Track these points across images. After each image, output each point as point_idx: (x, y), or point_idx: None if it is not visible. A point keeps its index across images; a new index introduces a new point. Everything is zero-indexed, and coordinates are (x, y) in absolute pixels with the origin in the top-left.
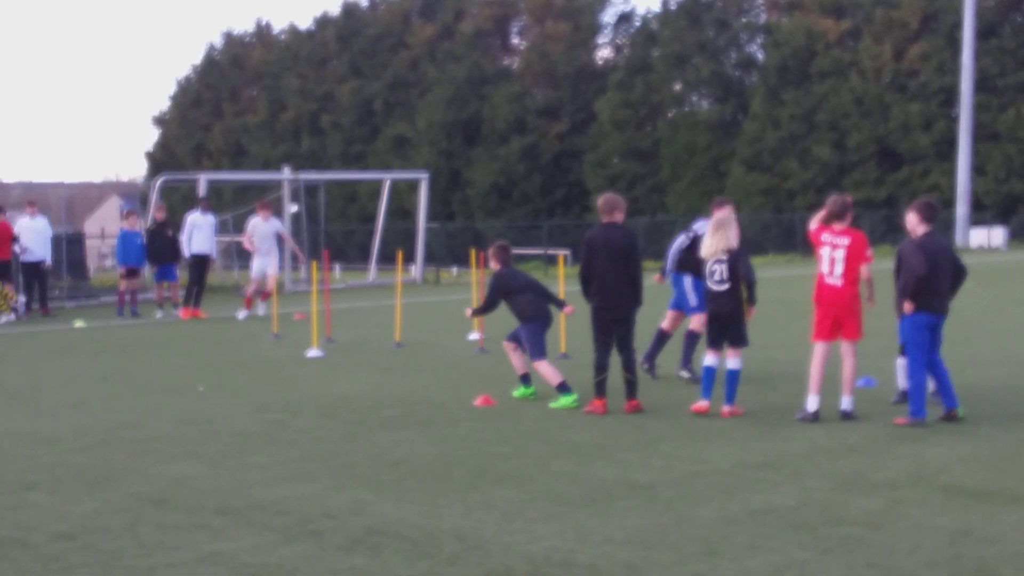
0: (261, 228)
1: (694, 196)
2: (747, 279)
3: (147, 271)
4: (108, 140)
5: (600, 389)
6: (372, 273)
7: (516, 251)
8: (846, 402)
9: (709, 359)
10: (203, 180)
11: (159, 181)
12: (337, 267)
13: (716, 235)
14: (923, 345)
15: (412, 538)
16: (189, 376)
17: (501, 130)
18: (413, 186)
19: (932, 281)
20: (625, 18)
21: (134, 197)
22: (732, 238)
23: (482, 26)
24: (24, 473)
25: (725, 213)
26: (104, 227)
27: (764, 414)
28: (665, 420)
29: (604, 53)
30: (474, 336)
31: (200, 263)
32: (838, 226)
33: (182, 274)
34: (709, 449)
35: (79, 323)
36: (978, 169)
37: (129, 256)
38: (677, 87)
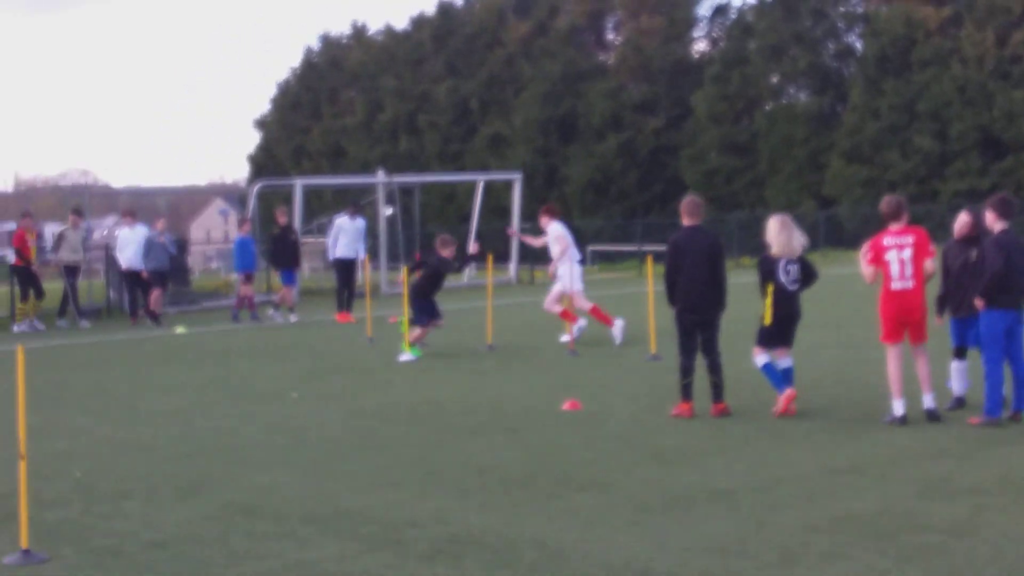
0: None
1: (793, 189)
2: (814, 275)
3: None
4: (213, 144)
5: (687, 392)
6: (466, 274)
7: (614, 248)
8: (928, 400)
9: (765, 357)
10: (298, 185)
11: (256, 187)
12: None
13: (790, 233)
14: (999, 343)
15: (493, 546)
16: (284, 383)
17: (597, 126)
18: (509, 185)
19: (1007, 279)
20: (720, 10)
21: (235, 200)
22: (800, 238)
23: (576, 22)
24: (120, 481)
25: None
26: (210, 231)
27: (849, 416)
28: (752, 423)
29: (700, 47)
30: (565, 338)
31: (345, 267)
32: (895, 226)
33: (325, 276)
34: (794, 453)
35: (180, 329)
36: None
37: (245, 262)
38: (774, 79)
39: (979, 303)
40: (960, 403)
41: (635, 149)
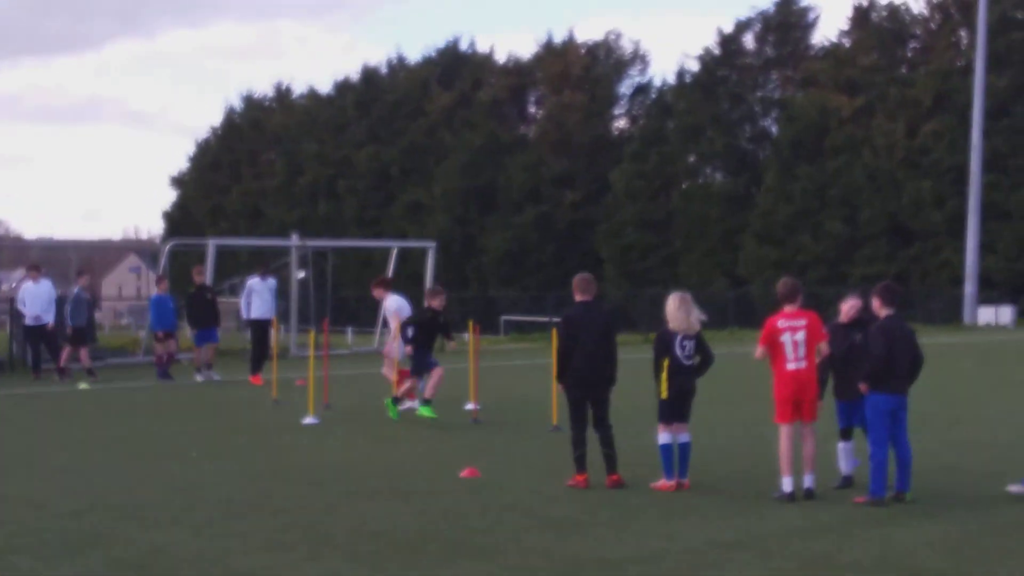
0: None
1: (707, 267)
2: (711, 357)
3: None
4: (128, 199)
5: (580, 464)
6: (377, 339)
7: (527, 319)
8: (808, 480)
9: (666, 437)
10: (211, 246)
11: (168, 246)
12: (350, 331)
13: (688, 310)
14: (884, 424)
15: None
16: (185, 442)
17: (516, 198)
18: (425, 252)
19: (891, 363)
20: (641, 90)
21: (148, 257)
22: (698, 314)
23: (499, 95)
24: (10, 537)
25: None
26: (122, 287)
27: (740, 492)
28: (646, 496)
29: (620, 124)
30: (469, 406)
31: (261, 328)
32: (790, 308)
33: (236, 337)
34: (683, 526)
35: (83, 385)
36: (989, 247)
37: (163, 320)
38: (691, 159)
39: (863, 387)
40: (848, 482)
41: (553, 222)
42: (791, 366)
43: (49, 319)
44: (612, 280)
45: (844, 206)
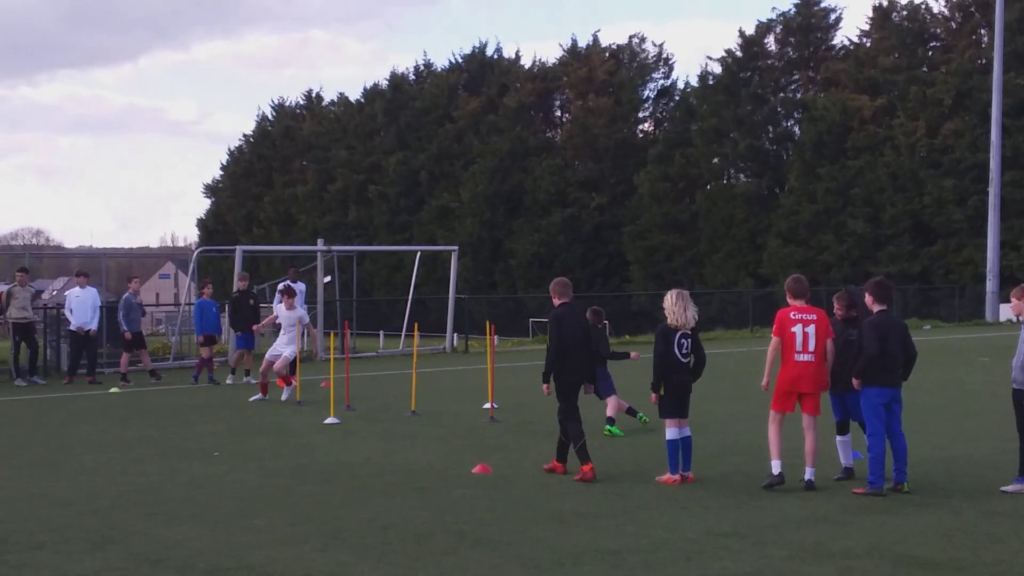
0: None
1: (731, 268)
2: (704, 357)
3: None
4: (165, 206)
5: (584, 455)
6: (402, 342)
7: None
8: (809, 473)
9: (673, 432)
10: (239, 252)
11: (196, 253)
12: (381, 335)
13: (685, 305)
14: (880, 417)
15: None
16: (209, 442)
17: (543, 202)
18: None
19: (883, 358)
20: (665, 92)
21: (183, 264)
22: (694, 310)
23: (525, 100)
24: (34, 534)
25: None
26: (159, 294)
27: (742, 484)
28: (651, 489)
29: (644, 127)
30: (487, 405)
31: None
32: (798, 303)
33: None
34: (683, 517)
35: (114, 389)
36: (1011, 244)
37: (206, 324)
38: (715, 160)
39: (856, 383)
40: (849, 474)
41: (579, 225)
42: (799, 358)
43: (94, 326)
44: (638, 282)
45: (867, 205)
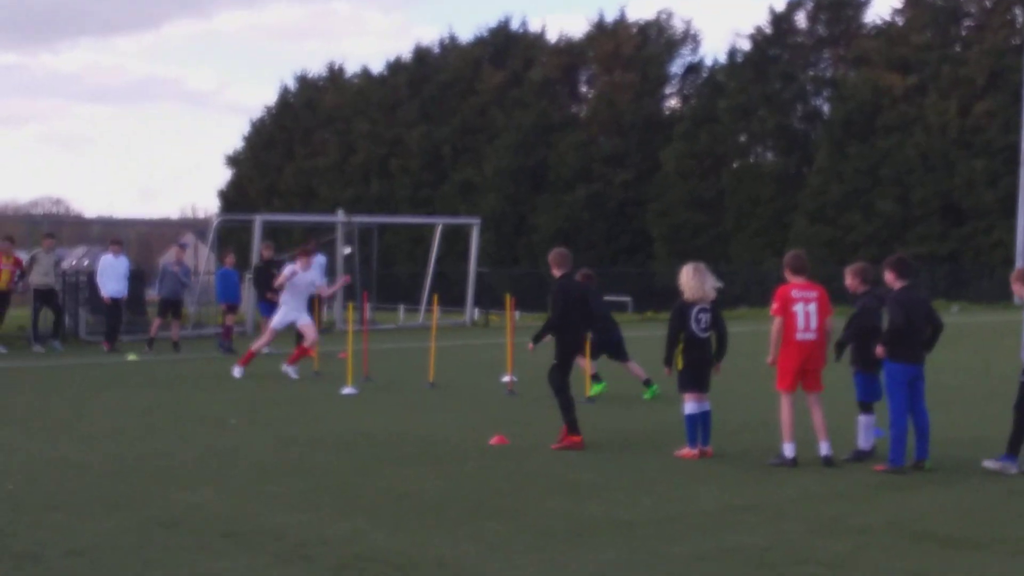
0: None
1: (757, 247)
2: (726, 333)
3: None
4: (186, 176)
5: (576, 426)
6: (422, 315)
7: None
8: (824, 447)
9: (692, 406)
10: (258, 221)
11: (216, 223)
12: (402, 308)
13: (703, 279)
14: (904, 394)
15: (396, 564)
16: (225, 410)
17: (567, 177)
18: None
19: (907, 334)
20: (692, 69)
21: (202, 235)
22: (713, 282)
23: (551, 74)
24: (49, 496)
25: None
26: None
27: (761, 459)
28: (668, 462)
29: (671, 103)
30: (506, 379)
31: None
32: (798, 280)
33: None
34: (701, 491)
35: (132, 356)
36: None
37: (228, 293)
38: (742, 138)
39: (880, 350)
40: (861, 456)
41: (603, 201)
42: (800, 336)
43: (124, 294)
44: (662, 259)
45: (896, 185)
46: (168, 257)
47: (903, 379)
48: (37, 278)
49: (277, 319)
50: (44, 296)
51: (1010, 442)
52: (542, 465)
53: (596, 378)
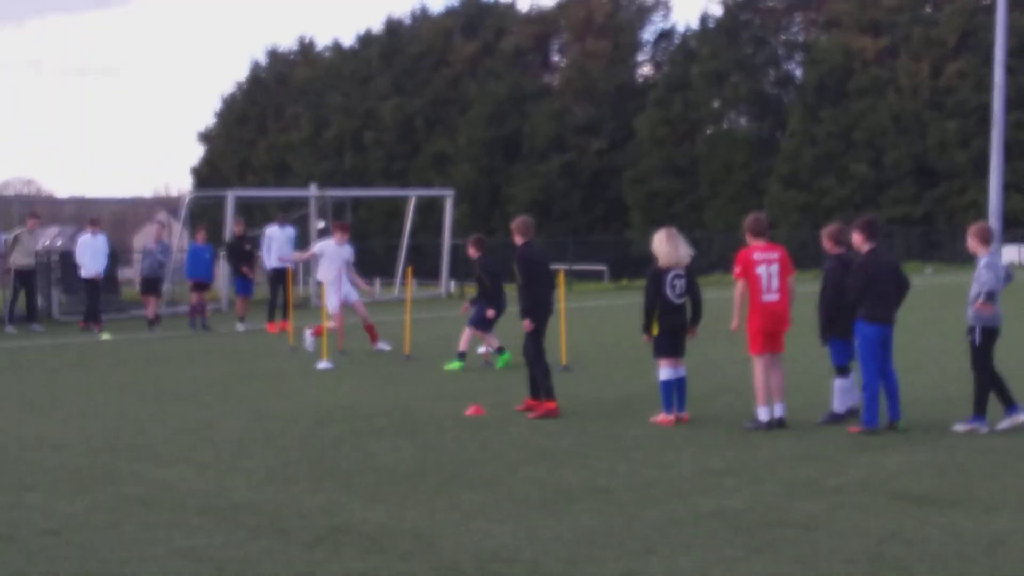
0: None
1: (732, 213)
2: (700, 299)
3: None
4: (158, 155)
5: (551, 392)
6: (397, 288)
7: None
8: (780, 409)
9: (667, 372)
10: (231, 197)
11: (188, 199)
12: (378, 282)
13: (676, 243)
14: (876, 356)
15: (372, 536)
16: (200, 387)
17: (541, 147)
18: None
19: (878, 296)
20: (665, 35)
21: (175, 212)
22: (687, 248)
23: (522, 44)
24: (24, 476)
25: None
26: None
27: (737, 424)
28: (644, 430)
29: (644, 70)
30: (482, 349)
31: (278, 276)
32: (760, 242)
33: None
34: (678, 457)
35: (105, 336)
36: (1015, 187)
37: (198, 270)
38: (715, 104)
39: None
40: (836, 418)
41: (578, 170)
42: (765, 297)
43: (102, 272)
44: (638, 227)
45: (869, 148)
46: (147, 236)
47: (876, 340)
48: (19, 258)
49: (332, 304)
50: (24, 277)
51: (976, 402)
52: (518, 435)
53: (501, 350)
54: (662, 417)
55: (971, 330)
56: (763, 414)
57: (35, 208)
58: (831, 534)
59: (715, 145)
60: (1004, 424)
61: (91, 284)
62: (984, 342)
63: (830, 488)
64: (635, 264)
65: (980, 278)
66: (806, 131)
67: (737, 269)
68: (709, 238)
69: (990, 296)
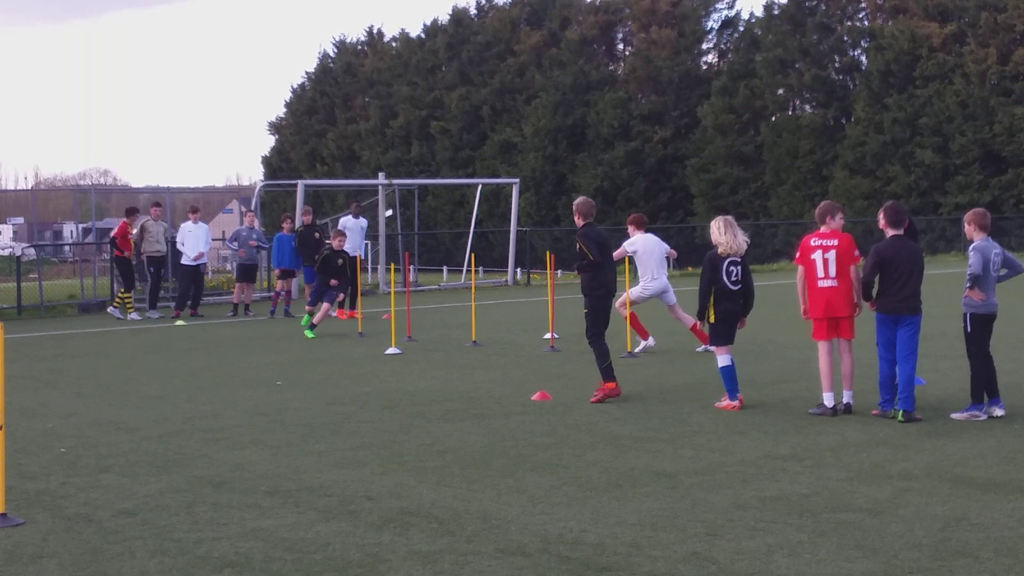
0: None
1: (797, 200)
2: (752, 289)
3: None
4: (230, 145)
5: (612, 373)
6: (463, 275)
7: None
8: (847, 396)
9: (726, 359)
10: (300, 186)
11: (259, 188)
12: (444, 269)
13: (735, 232)
14: (882, 342)
15: (440, 518)
16: (271, 372)
17: (606, 136)
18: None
19: (894, 284)
20: (729, 23)
21: (246, 202)
22: (744, 236)
23: (587, 33)
24: (102, 458)
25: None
26: (225, 231)
27: (802, 410)
28: (710, 415)
29: (708, 59)
30: (547, 336)
31: (350, 264)
32: (825, 229)
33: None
34: (742, 442)
35: (180, 322)
36: None
37: (283, 258)
38: (780, 92)
39: (870, 306)
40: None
41: (643, 158)
42: (821, 283)
43: (205, 260)
44: (703, 215)
45: (936, 135)
46: (242, 224)
47: (882, 327)
48: (150, 246)
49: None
50: (157, 263)
51: (972, 391)
52: (583, 419)
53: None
54: (727, 402)
55: (963, 316)
56: (828, 400)
57: (158, 198)
58: (896, 519)
59: (780, 132)
60: (961, 415)
61: (192, 270)
62: (976, 329)
63: (895, 473)
64: (699, 252)
65: (969, 263)
66: (871, 118)
67: (797, 256)
68: (773, 225)
69: (975, 280)
